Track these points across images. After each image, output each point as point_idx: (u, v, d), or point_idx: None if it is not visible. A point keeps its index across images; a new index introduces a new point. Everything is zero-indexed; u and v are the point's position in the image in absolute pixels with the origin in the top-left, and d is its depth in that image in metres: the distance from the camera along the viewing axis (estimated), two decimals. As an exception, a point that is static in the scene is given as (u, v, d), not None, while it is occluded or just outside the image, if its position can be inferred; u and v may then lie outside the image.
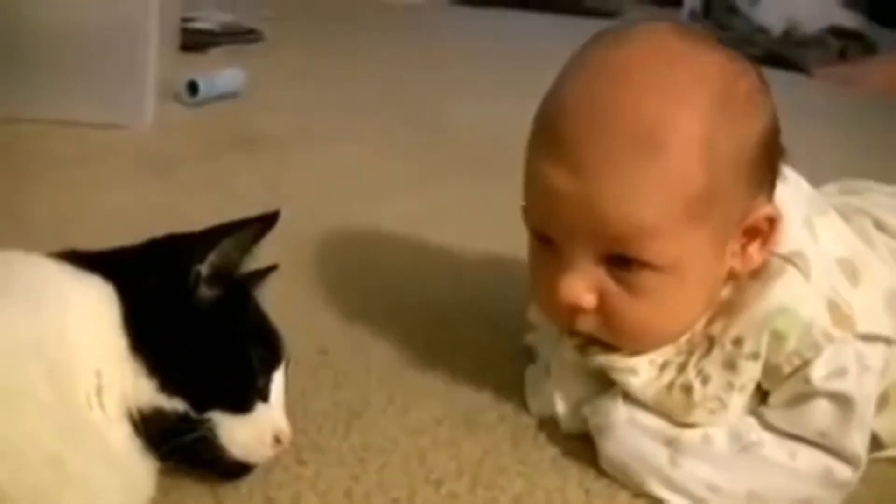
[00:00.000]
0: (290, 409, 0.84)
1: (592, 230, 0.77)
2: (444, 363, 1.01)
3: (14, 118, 1.57)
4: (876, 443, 0.87)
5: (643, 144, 0.75)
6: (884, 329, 0.83)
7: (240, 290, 0.83)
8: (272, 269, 0.88)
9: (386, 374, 1.00)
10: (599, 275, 0.80)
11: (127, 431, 0.73)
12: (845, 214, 0.92)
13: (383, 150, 1.68)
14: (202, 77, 1.80)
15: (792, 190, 0.86)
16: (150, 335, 0.74)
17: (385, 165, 1.60)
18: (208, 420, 0.75)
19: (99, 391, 0.71)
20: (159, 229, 0.84)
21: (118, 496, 0.71)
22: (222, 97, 1.85)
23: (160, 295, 0.77)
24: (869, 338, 0.82)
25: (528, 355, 1.00)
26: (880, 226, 0.94)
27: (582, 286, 0.80)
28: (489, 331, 1.09)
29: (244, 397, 0.78)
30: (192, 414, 0.74)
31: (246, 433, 0.77)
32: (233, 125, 1.74)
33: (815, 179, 0.95)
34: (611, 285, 0.79)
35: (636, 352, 0.84)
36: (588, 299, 0.80)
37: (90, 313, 0.73)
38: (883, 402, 0.86)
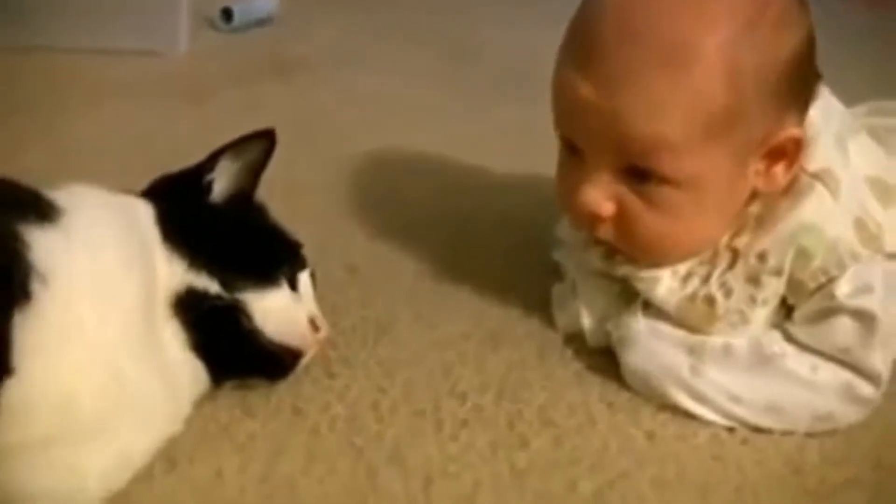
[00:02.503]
0: (322, 322, 0.86)
1: (614, 141, 0.78)
2: (472, 280, 1.02)
3: (49, 47, 1.59)
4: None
5: (669, 60, 0.75)
6: None
7: (258, 206, 0.89)
8: None
9: (414, 290, 1.01)
10: (620, 185, 0.80)
11: (174, 331, 0.77)
12: (877, 135, 0.91)
13: (417, 77, 1.67)
14: (237, 3, 1.80)
15: (824, 109, 0.85)
16: (176, 228, 0.80)
17: (418, 92, 1.59)
18: (240, 301, 0.79)
19: (155, 284, 0.76)
20: (192, 156, 0.87)
21: (166, 408, 0.75)
22: (257, 23, 1.84)
23: (180, 199, 0.84)
24: None
25: (556, 272, 1.01)
26: None
27: (602, 195, 0.80)
28: (517, 248, 1.09)
29: (270, 274, 0.82)
30: (223, 293, 0.78)
31: (279, 311, 0.81)
32: (267, 52, 1.74)
33: (844, 102, 0.94)
34: (630, 197, 0.80)
35: (658, 264, 0.84)
36: (607, 208, 0.81)
37: (144, 222, 0.80)
38: None
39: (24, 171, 1.23)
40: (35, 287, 0.66)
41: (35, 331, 0.65)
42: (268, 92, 1.57)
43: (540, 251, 1.05)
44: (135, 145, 1.35)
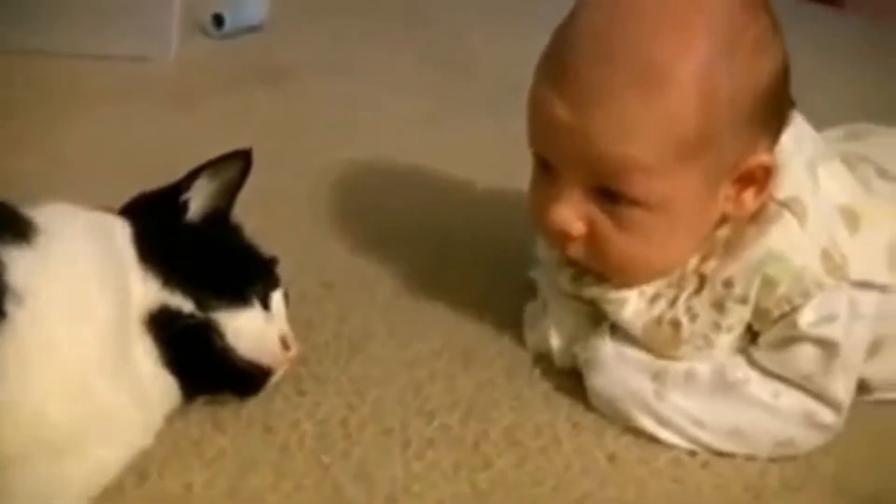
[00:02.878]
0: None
1: (586, 162, 0.79)
2: (447, 297, 1.04)
3: (40, 51, 1.59)
4: (866, 386, 0.89)
5: (643, 81, 0.76)
6: (880, 277, 0.84)
7: (233, 225, 0.90)
8: None
9: (389, 307, 1.03)
10: (591, 205, 0.82)
11: (146, 347, 0.79)
12: (849, 162, 0.92)
13: (403, 84, 1.68)
14: (228, 10, 1.81)
15: (797, 136, 0.86)
16: (151, 247, 0.81)
17: (405, 101, 1.60)
18: (213, 320, 0.80)
19: (129, 302, 0.78)
20: (181, 163, 0.88)
21: (137, 422, 0.77)
22: (248, 30, 1.85)
23: (157, 218, 0.85)
24: (864, 285, 0.83)
25: (532, 290, 1.02)
26: (883, 173, 0.93)
27: (573, 214, 0.82)
28: (494, 265, 1.10)
29: (243, 294, 0.83)
30: (197, 312, 0.80)
31: (251, 330, 0.82)
32: (256, 58, 1.75)
33: (841, 116, 0.94)
34: (600, 217, 0.81)
35: (627, 284, 0.86)
36: (577, 227, 0.82)
37: (120, 241, 0.81)
38: (875, 348, 0.87)
39: (14, 176, 1.26)
40: (10, 307, 0.68)
41: (9, 350, 0.67)
42: (256, 99, 1.58)
43: (517, 268, 1.06)
44: (125, 151, 1.36)
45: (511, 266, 1.08)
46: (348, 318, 1.00)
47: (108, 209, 0.87)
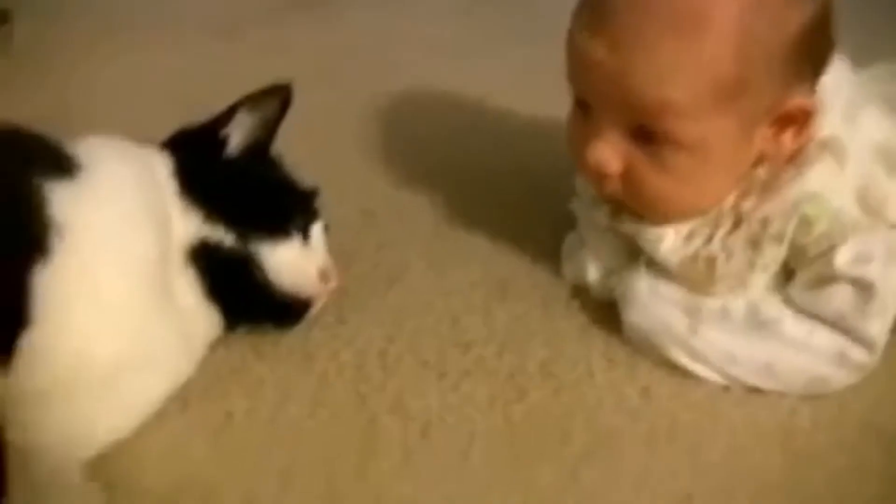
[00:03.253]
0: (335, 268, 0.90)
1: (623, 102, 0.79)
2: (486, 227, 1.05)
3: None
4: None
5: (680, 25, 0.75)
6: None
7: (273, 159, 0.91)
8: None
9: (428, 237, 1.04)
10: (627, 144, 0.82)
11: (189, 280, 0.81)
12: (890, 104, 0.90)
13: (445, 11, 1.67)
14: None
15: (837, 77, 0.85)
16: (192, 181, 0.83)
17: (445, 28, 1.59)
18: (253, 252, 0.82)
19: (170, 236, 0.80)
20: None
21: (179, 355, 0.80)
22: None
23: (197, 153, 0.87)
24: None
25: (571, 222, 1.02)
26: None
27: (609, 152, 0.82)
28: (533, 196, 1.11)
29: (283, 227, 0.85)
30: (237, 245, 0.82)
31: (290, 263, 0.84)
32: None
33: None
34: (637, 155, 0.81)
35: (663, 222, 0.86)
36: (614, 165, 0.82)
37: (161, 175, 0.83)
38: None
39: (55, 104, 1.28)
40: (53, 241, 0.70)
41: (52, 284, 0.69)
42: (294, 28, 1.59)
43: (556, 200, 1.06)
44: (165, 80, 1.39)
45: (550, 197, 1.08)
46: (387, 248, 1.01)
47: (147, 143, 0.88)
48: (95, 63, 1.41)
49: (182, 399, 0.80)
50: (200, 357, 0.82)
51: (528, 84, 1.35)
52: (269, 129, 0.90)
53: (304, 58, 1.48)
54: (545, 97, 1.03)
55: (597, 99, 0.82)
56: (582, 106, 0.84)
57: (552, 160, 1.11)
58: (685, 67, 0.76)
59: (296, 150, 0.94)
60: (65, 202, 0.72)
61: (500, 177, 1.15)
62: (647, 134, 0.80)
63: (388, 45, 1.52)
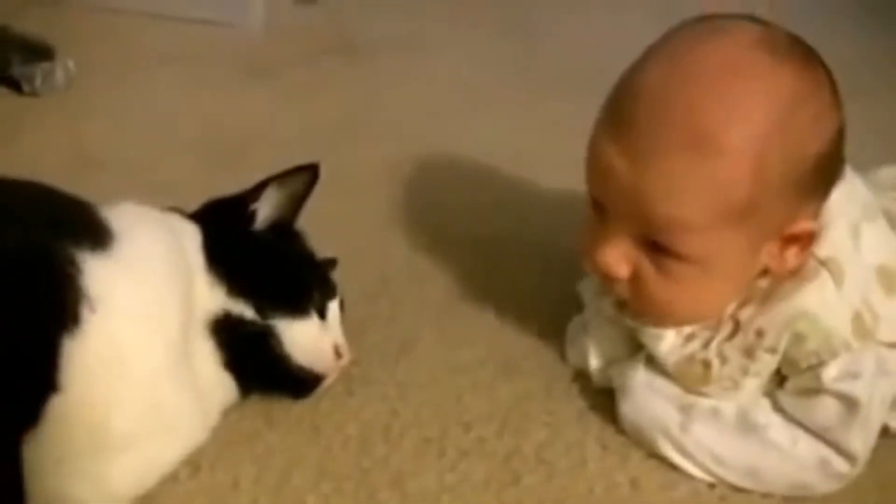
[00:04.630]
0: (348, 338, 0.95)
1: (635, 213, 0.83)
2: (495, 302, 1.09)
3: (121, 9, 1.65)
4: (888, 431, 0.92)
5: (698, 147, 0.78)
6: None
7: (296, 234, 0.96)
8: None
9: (439, 309, 1.08)
10: (636, 251, 0.85)
11: (209, 349, 0.86)
12: (894, 220, 0.93)
13: (478, 63, 1.71)
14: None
15: (845, 193, 0.87)
16: (220, 255, 0.88)
17: (477, 81, 1.63)
18: (272, 327, 0.87)
19: (194, 307, 0.85)
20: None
21: (195, 421, 0.84)
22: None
23: (226, 227, 0.91)
24: (894, 345, 0.86)
25: (577, 303, 1.06)
26: None
27: (619, 257, 0.85)
28: (544, 273, 1.15)
29: (301, 304, 0.90)
30: (258, 319, 0.86)
31: (307, 339, 0.89)
32: (337, 29, 1.80)
33: None
34: (645, 263, 0.85)
35: (664, 325, 0.90)
36: (622, 270, 0.86)
37: (190, 248, 0.87)
38: None
39: (87, 138, 1.33)
40: (84, 312, 0.74)
41: (81, 353, 0.73)
42: (328, 73, 1.63)
43: (566, 278, 1.10)
44: (199, 120, 1.43)
45: (560, 275, 1.12)
46: (399, 318, 1.06)
47: (177, 210, 0.92)
48: (129, 100, 1.46)
49: (193, 463, 0.84)
50: (215, 423, 0.87)
51: (558, 143, 1.38)
52: (295, 205, 0.95)
53: (335, 105, 1.53)
54: (573, 159, 1.07)
55: (610, 204, 0.85)
56: (596, 207, 0.88)
57: (566, 237, 1.15)
58: (698, 187, 0.79)
59: (321, 204, 0.99)
60: (98, 275, 0.76)
61: (513, 250, 1.19)
62: (655, 245, 0.83)
63: (421, 95, 1.56)
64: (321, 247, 1.00)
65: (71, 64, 1.49)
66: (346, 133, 1.42)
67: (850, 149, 0.86)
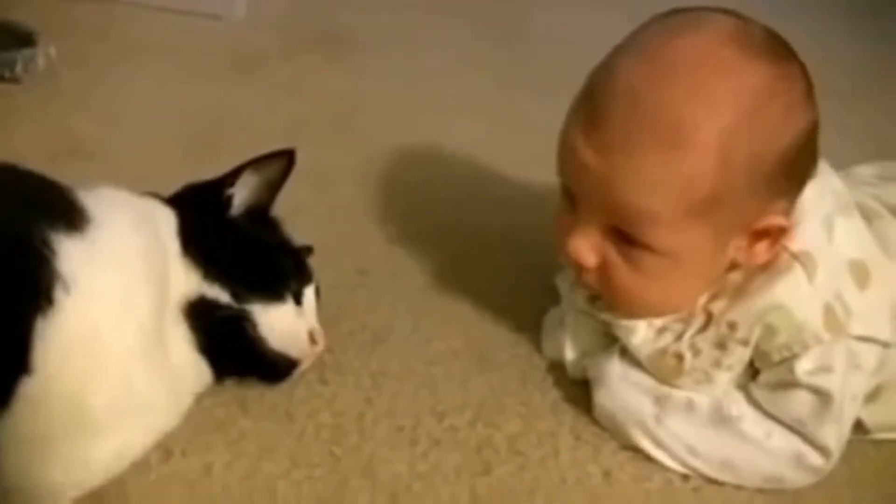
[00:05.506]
0: (324, 327, 0.95)
1: (604, 204, 0.83)
2: (472, 295, 1.09)
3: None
4: (863, 427, 0.92)
5: (665, 141, 0.79)
6: (882, 333, 0.87)
7: (273, 220, 0.96)
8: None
9: (417, 300, 1.08)
10: (606, 241, 0.85)
11: (184, 333, 0.85)
12: (871, 213, 0.93)
13: (460, 60, 1.71)
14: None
15: (819, 187, 0.88)
16: (196, 240, 0.88)
17: (458, 78, 1.63)
18: (247, 312, 0.87)
19: (168, 291, 0.84)
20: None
21: (168, 406, 0.84)
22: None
23: (202, 212, 0.91)
24: (865, 339, 0.86)
25: (554, 295, 1.05)
26: None
27: (588, 247, 0.86)
28: (523, 265, 1.15)
29: (277, 289, 0.90)
30: (233, 303, 0.86)
31: (282, 324, 0.89)
32: (320, 22, 1.79)
33: None
34: (613, 254, 0.85)
35: (634, 317, 0.90)
36: (591, 259, 0.86)
37: (165, 232, 0.87)
38: (875, 394, 0.91)
39: (71, 130, 1.33)
40: (58, 294, 0.74)
41: (54, 335, 0.73)
42: (311, 67, 1.63)
43: (543, 271, 1.09)
44: (180, 112, 1.43)
45: (538, 269, 1.11)
46: (376, 309, 1.05)
47: (154, 195, 0.92)
48: (112, 91, 1.46)
49: (165, 449, 0.84)
50: (188, 408, 0.86)
51: (540, 140, 1.38)
52: (271, 191, 0.95)
53: (320, 99, 1.53)
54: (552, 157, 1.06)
55: (581, 195, 0.86)
56: (567, 196, 0.88)
57: (543, 232, 1.15)
58: (665, 180, 0.79)
59: (300, 197, 1.00)
60: (73, 258, 0.76)
61: (492, 244, 1.19)
62: (624, 235, 0.84)
63: (403, 90, 1.56)
64: (300, 237, 1.00)
65: (52, 51, 1.48)
66: (327, 126, 1.42)
67: (833, 147, 0.87)
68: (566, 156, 0.86)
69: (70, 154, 1.28)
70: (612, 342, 0.95)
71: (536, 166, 1.31)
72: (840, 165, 0.98)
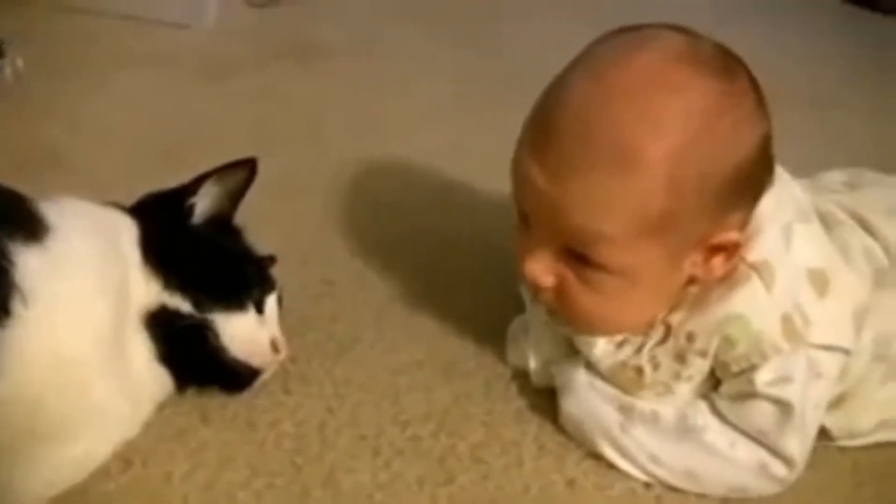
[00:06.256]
0: (288, 336, 0.95)
1: (557, 226, 0.83)
2: (437, 304, 1.09)
3: (74, 8, 1.64)
4: (827, 434, 0.93)
5: (614, 162, 0.78)
6: (843, 341, 0.87)
7: (235, 229, 0.96)
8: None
9: (381, 310, 1.08)
10: (560, 262, 0.85)
11: (144, 343, 0.85)
12: (832, 220, 0.94)
13: (429, 69, 1.71)
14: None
15: (777, 196, 0.88)
16: (157, 250, 0.88)
17: (428, 87, 1.63)
18: (209, 321, 0.87)
19: (128, 301, 0.84)
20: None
21: (127, 415, 0.84)
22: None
23: (163, 221, 0.91)
24: (826, 347, 0.86)
25: (519, 304, 1.05)
26: (869, 230, 0.95)
27: (542, 268, 0.86)
28: (486, 275, 1.14)
29: (239, 298, 0.90)
30: (194, 312, 0.86)
31: (244, 333, 0.89)
32: (291, 31, 1.79)
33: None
34: (568, 274, 0.85)
35: (591, 334, 0.90)
36: (547, 280, 0.86)
37: (126, 242, 0.87)
38: (839, 401, 0.91)
39: (42, 140, 1.32)
40: (16, 306, 0.74)
41: (12, 345, 0.73)
42: (283, 76, 1.63)
43: (508, 280, 1.09)
44: (148, 121, 1.42)
45: (503, 277, 1.11)
46: (341, 319, 1.05)
47: (116, 205, 0.92)
48: (80, 100, 1.45)
49: (125, 458, 0.83)
50: (148, 417, 0.86)
51: (507, 150, 1.39)
52: (233, 200, 0.95)
53: (288, 107, 1.53)
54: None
55: (533, 216, 0.85)
56: (522, 217, 0.88)
57: (508, 240, 1.15)
58: (615, 200, 0.79)
59: (267, 206, 1.00)
60: (32, 270, 0.76)
61: (457, 253, 1.19)
62: (577, 256, 0.83)
63: (373, 100, 1.56)
64: (266, 246, 0.99)
65: (20, 62, 1.47)
66: (295, 136, 1.42)
67: (807, 155, 0.87)
68: (518, 177, 0.85)
69: (37, 163, 1.28)
70: (575, 351, 0.95)
71: (502, 175, 1.31)
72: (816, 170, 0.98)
